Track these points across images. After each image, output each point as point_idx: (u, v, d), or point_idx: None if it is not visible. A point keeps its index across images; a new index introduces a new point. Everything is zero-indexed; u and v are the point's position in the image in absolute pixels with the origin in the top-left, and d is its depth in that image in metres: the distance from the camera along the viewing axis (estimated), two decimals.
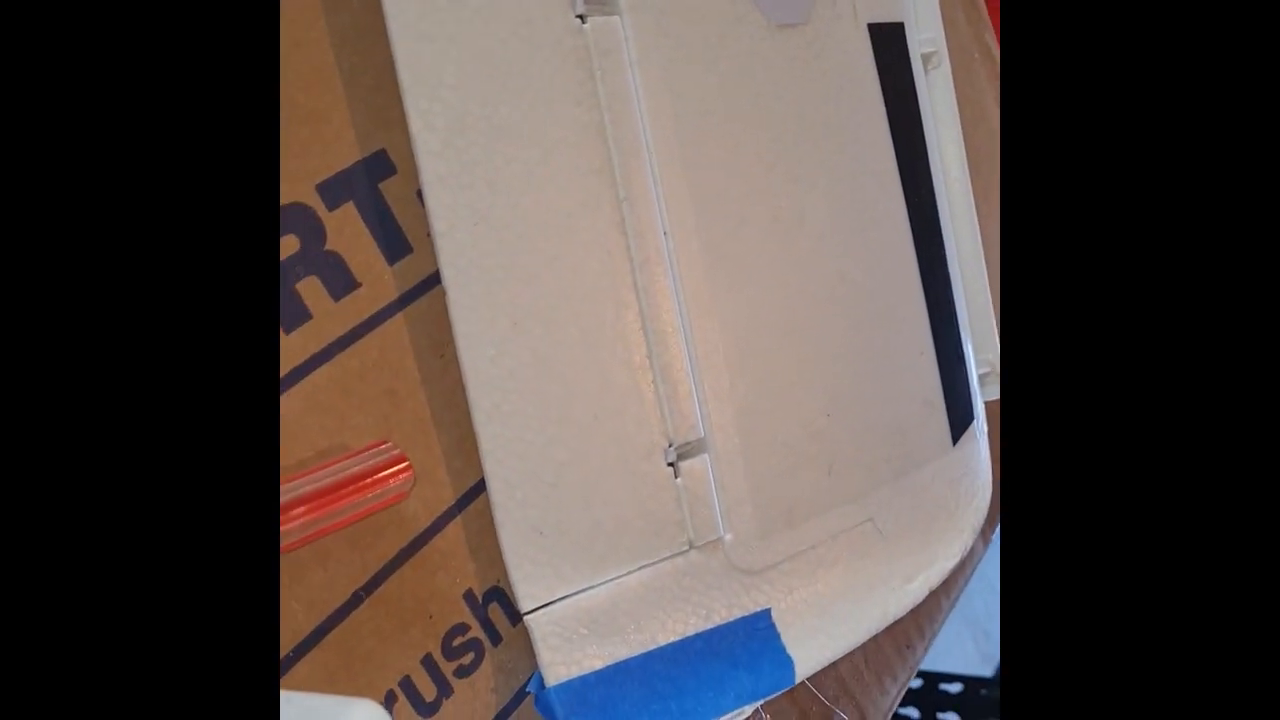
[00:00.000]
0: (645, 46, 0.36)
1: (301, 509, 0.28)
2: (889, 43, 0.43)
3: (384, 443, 0.30)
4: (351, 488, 0.28)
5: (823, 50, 0.41)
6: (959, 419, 0.44)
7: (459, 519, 0.33)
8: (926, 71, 0.46)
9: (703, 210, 0.37)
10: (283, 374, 0.30)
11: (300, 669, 0.29)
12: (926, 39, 0.46)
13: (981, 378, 0.47)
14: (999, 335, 0.47)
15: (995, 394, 0.47)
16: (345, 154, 0.32)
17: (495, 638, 0.33)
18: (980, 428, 0.45)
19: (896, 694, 0.45)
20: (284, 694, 0.25)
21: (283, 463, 0.29)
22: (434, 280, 0.33)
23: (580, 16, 0.34)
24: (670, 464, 0.35)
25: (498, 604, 0.33)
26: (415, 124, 0.31)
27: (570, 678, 0.33)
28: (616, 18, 0.35)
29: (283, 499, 0.28)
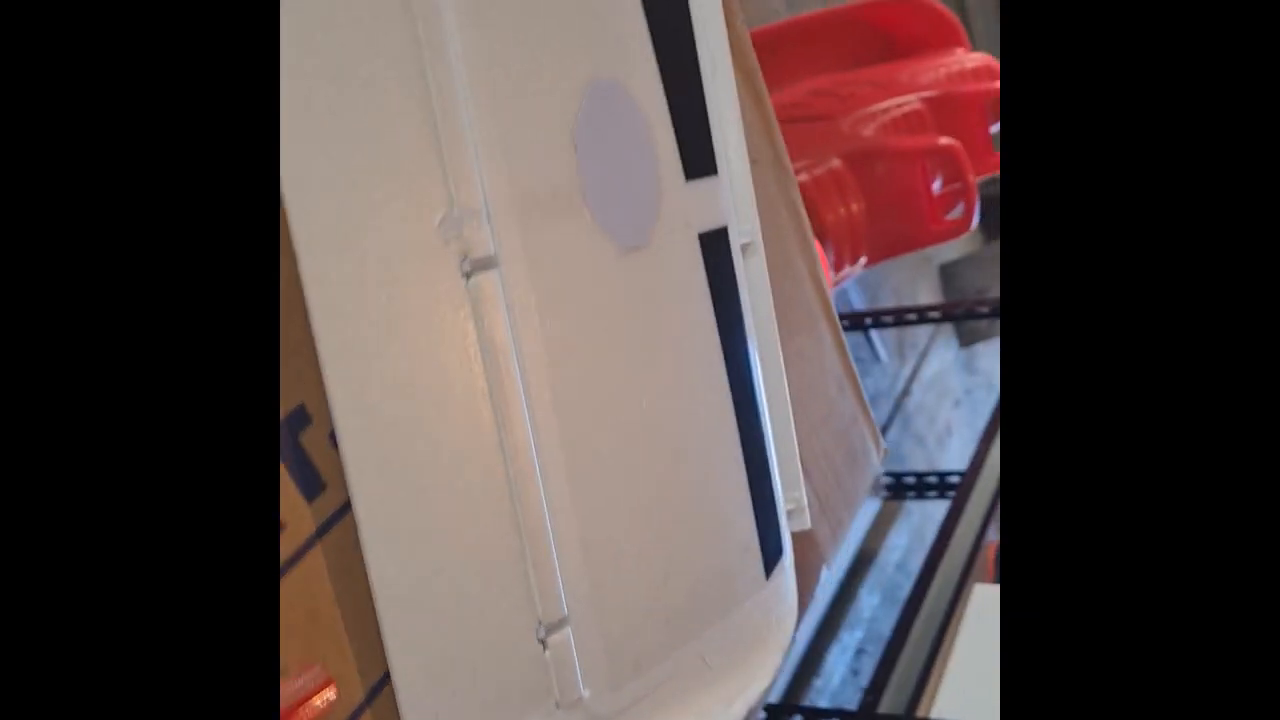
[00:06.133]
0: (517, 295, 0.42)
1: None
2: (715, 247, 0.51)
3: (314, 666, 0.36)
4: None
5: (663, 266, 0.48)
6: (770, 555, 0.53)
7: (368, 712, 0.39)
8: (745, 259, 0.54)
9: (569, 444, 0.44)
10: None
11: None
12: (745, 230, 0.54)
13: (790, 513, 0.55)
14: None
15: (804, 524, 0.56)
16: None
17: None
18: (788, 561, 0.54)
19: None
20: None
21: None
22: (345, 509, 0.39)
23: (466, 275, 0.41)
24: (540, 640, 0.43)
25: None
26: (333, 389, 0.37)
27: None
28: (495, 271, 0.41)
29: None
